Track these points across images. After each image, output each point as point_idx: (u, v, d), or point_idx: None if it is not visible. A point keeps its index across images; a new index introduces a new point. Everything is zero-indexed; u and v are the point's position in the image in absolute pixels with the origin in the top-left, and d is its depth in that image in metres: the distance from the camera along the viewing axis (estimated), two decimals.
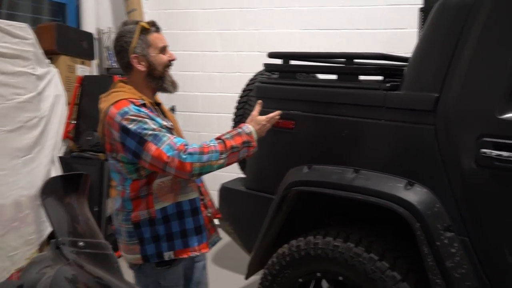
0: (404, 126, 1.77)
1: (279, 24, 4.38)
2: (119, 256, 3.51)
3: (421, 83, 1.74)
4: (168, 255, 1.73)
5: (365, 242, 1.81)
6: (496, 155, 1.54)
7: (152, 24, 1.75)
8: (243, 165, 2.88)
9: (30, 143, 3.26)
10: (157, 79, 1.76)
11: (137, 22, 1.73)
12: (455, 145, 1.64)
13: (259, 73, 2.93)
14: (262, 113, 2.20)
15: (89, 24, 4.31)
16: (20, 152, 3.16)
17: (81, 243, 0.77)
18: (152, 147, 1.59)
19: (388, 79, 1.92)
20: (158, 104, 1.86)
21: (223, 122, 4.57)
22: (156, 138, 1.60)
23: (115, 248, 3.53)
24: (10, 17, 3.79)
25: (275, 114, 1.84)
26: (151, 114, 1.67)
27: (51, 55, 3.72)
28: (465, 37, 1.64)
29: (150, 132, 1.60)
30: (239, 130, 1.73)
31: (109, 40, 4.47)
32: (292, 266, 1.96)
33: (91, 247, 0.79)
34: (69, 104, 3.75)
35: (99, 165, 3.60)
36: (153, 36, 1.74)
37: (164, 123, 1.70)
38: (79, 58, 4.00)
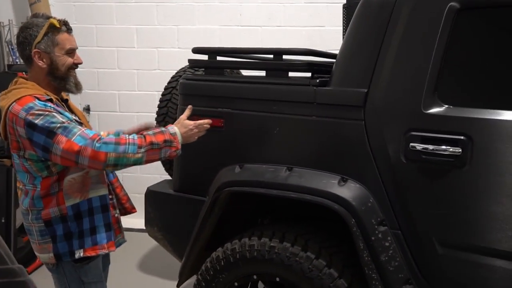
0: (335, 122, 1.76)
1: (199, 20, 4.26)
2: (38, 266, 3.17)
3: (350, 79, 1.75)
4: (78, 253, 1.71)
5: (301, 241, 1.78)
6: (423, 149, 1.58)
7: (64, 23, 1.71)
8: (169, 167, 2.74)
9: None
10: (59, 79, 1.71)
11: (48, 18, 1.69)
12: (384, 140, 1.67)
13: (182, 70, 2.81)
14: (183, 112, 2.10)
15: None
16: None
17: None
18: (62, 139, 1.55)
19: (317, 75, 1.91)
20: (65, 101, 1.81)
21: (143, 121, 4.35)
22: (66, 130, 1.56)
23: (30, 258, 3.22)
24: None
25: (205, 121, 1.79)
26: (58, 108, 1.63)
27: None
28: (390, 33, 1.66)
29: (59, 124, 1.56)
30: (163, 129, 1.71)
31: (10, 34, 4.05)
32: (227, 270, 1.89)
33: (5, 275, 0.65)
34: None
35: (4, 171, 3.24)
36: (62, 37, 1.70)
37: (74, 117, 1.69)
38: None
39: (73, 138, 1.55)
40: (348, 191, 1.70)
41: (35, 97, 1.60)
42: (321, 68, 1.96)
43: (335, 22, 4.07)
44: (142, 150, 1.61)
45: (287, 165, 1.84)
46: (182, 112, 2.14)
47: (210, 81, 2.05)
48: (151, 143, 1.63)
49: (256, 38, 4.21)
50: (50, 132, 1.55)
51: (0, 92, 1.71)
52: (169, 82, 2.80)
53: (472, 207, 1.56)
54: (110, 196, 1.83)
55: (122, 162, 1.60)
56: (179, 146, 1.71)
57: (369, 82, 1.69)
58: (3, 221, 3.23)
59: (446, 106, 1.59)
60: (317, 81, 1.81)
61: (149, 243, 3.25)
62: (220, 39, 4.24)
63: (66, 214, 1.68)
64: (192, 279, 2.10)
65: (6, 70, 3.74)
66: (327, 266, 1.71)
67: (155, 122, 2.79)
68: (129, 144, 1.60)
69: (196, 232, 2.04)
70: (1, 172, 3.25)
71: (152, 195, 2.25)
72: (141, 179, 4.25)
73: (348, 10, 2.17)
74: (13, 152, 1.67)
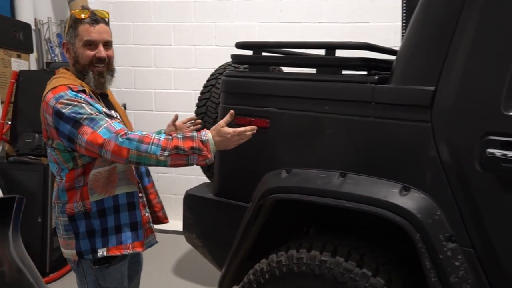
0: (396, 124, 1.57)
1: (238, 16, 4.14)
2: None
3: (414, 75, 1.56)
4: (101, 251, 1.65)
5: (356, 255, 1.60)
6: (502, 156, 1.38)
7: (90, 14, 1.67)
8: (207, 168, 2.61)
9: None
10: (79, 72, 1.68)
11: (86, 9, 1.69)
12: (455, 145, 1.47)
13: (222, 67, 2.67)
14: (226, 111, 1.96)
15: (25, 14, 3.89)
16: None
17: None
18: (87, 130, 1.53)
19: (375, 72, 1.72)
20: (104, 96, 1.78)
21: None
22: (93, 121, 1.54)
23: (62, 263, 3.16)
24: None
25: (248, 129, 1.63)
26: (90, 100, 1.61)
27: None
28: (464, 21, 1.46)
29: (86, 115, 1.54)
30: (195, 134, 1.59)
31: (49, 32, 4.04)
32: (272, 284, 1.73)
33: None
34: (3, 102, 3.32)
35: (41, 170, 3.21)
36: (82, 28, 1.66)
37: (105, 110, 1.64)
38: (14, 51, 3.58)
39: (99, 130, 1.52)
40: (412, 201, 1.51)
41: (68, 87, 1.59)
42: (380, 65, 1.77)
43: (381, 17, 3.86)
44: (166, 153, 1.52)
45: (340, 171, 1.67)
46: (223, 111, 2.00)
47: (255, 78, 1.90)
48: (177, 148, 1.53)
49: (296, 35, 4.05)
50: (76, 122, 1.53)
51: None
52: (208, 80, 2.68)
53: None
54: (140, 195, 1.76)
55: (145, 162, 1.54)
56: (210, 156, 1.58)
57: (437, 79, 1.50)
58: (39, 220, 3.20)
59: None
60: (376, 78, 1.63)
61: (184, 246, 3.13)
62: (259, 36, 4.11)
63: (90, 210, 1.64)
64: None
65: (45, 67, 3.71)
66: (386, 285, 1.53)
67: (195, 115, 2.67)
68: (152, 144, 1.52)
69: (238, 240, 1.89)
70: (38, 171, 3.22)
71: (191, 200, 2.12)
72: (176, 180, 4.17)
73: (409, 1, 1.97)
74: (44, 140, 1.67)
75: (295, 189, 1.72)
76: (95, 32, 1.66)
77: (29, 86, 3.35)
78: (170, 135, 1.57)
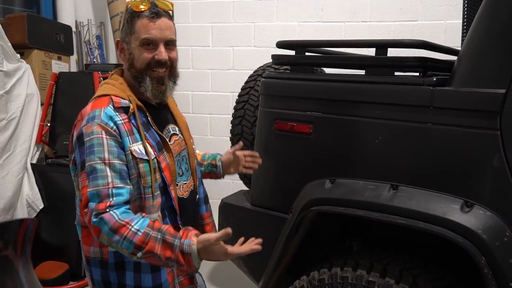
0: (458, 131, 1.40)
1: (277, 16, 4.01)
2: None
3: (480, 77, 1.38)
4: None
5: (408, 277, 1.44)
6: None
7: (150, 6, 1.34)
8: (244, 175, 2.50)
9: None
10: (136, 78, 1.38)
11: (146, 1, 1.36)
12: None
13: (261, 68, 2.55)
14: (266, 115, 1.82)
15: (66, 16, 3.93)
16: None
17: None
18: (84, 181, 1.28)
19: (432, 73, 1.55)
20: (162, 106, 1.49)
21: (216, 123, 4.21)
22: (93, 173, 1.26)
23: None
24: None
25: (251, 248, 1.29)
26: (125, 128, 1.32)
27: (22, 49, 3.35)
28: None
29: (93, 162, 1.26)
30: (177, 242, 1.24)
31: (89, 34, 4.05)
32: None
33: None
34: (43, 104, 3.34)
35: None
36: (140, 23, 1.34)
37: (133, 147, 1.32)
38: (55, 53, 3.61)
39: (90, 189, 1.25)
40: (476, 219, 1.33)
41: (111, 100, 1.34)
42: (437, 65, 1.60)
43: (430, 15, 3.65)
44: (139, 254, 1.24)
45: (390, 182, 1.51)
46: (262, 115, 1.88)
47: (297, 80, 1.76)
48: (151, 252, 1.23)
49: (339, 35, 3.88)
50: (82, 163, 1.28)
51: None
52: (246, 82, 2.57)
53: None
54: None
55: (117, 249, 1.28)
56: (192, 268, 1.26)
57: (508, 81, 1.31)
58: (75, 223, 3.18)
59: None
60: (434, 79, 1.46)
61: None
62: (300, 36, 3.97)
63: (107, 260, 1.38)
64: None
65: (84, 69, 3.72)
66: None
67: (231, 124, 2.57)
68: (125, 239, 1.22)
69: (277, 254, 1.76)
70: None
71: (227, 208, 2.01)
72: (209, 183, 4.08)
73: None
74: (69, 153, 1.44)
75: (340, 201, 1.57)
76: (156, 28, 1.34)
77: (68, 88, 3.35)
78: (154, 228, 1.25)
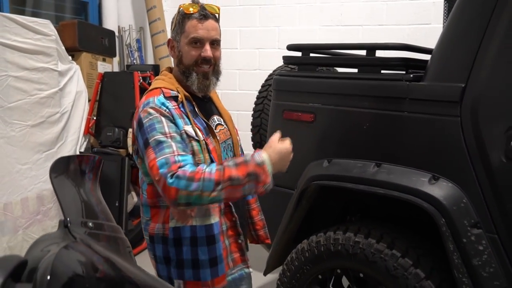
0: (428, 118, 1.70)
1: (300, 20, 4.33)
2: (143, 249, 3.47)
3: (446, 73, 1.68)
4: (178, 283, 1.48)
5: (387, 239, 1.75)
6: None
7: (199, 9, 1.47)
8: None
9: (52, 138, 3.31)
10: (184, 74, 1.52)
11: (197, 2, 1.51)
12: (482, 138, 1.57)
13: (279, 68, 2.89)
14: (276, 107, 2.16)
15: (110, 22, 4.37)
16: (42, 146, 3.22)
17: (90, 224, 0.75)
18: (151, 155, 1.35)
19: (412, 71, 1.85)
20: (206, 99, 1.61)
21: (243, 119, 4.55)
22: (159, 146, 1.35)
23: (135, 244, 3.54)
24: (34, 15, 3.86)
25: (279, 134, 1.45)
26: (176, 112, 1.43)
27: (73, 52, 3.79)
28: (494, 23, 1.56)
29: (156, 137, 1.36)
30: (248, 158, 1.35)
31: (129, 38, 4.50)
32: (311, 262, 1.92)
33: (102, 228, 0.77)
34: (90, 100, 3.79)
35: (119, 161, 3.63)
36: (189, 23, 1.47)
37: (186, 128, 1.43)
38: (100, 55, 4.05)
39: (158, 159, 1.33)
40: (439, 189, 1.63)
41: (162, 90, 1.46)
42: (417, 64, 1.90)
43: (442, 19, 3.87)
44: (219, 187, 1.29)
45: (375, 161, 1.82)
46: (274, 107, 2.22)
47: (302, 77, 2.10)
48: (231, 179, 1.30)
49: (357, 37, 4.16)
50: (146, 141, 1.37)
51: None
52: (266, 80, 2.91)
53: None
54: (233, 219, 1.56)
55: (196, 202, 1.32)
56: (268, 180, 1.34)
57: (467, 76, 1.61)
58: (117, 205, 3.61)
59: None
60: (411, 76, 1.76)
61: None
62: (320, 39, 4.27)
63: (168, 236, 1.47)
64: (279, 269, 2.16)
65: (125, 69, 4.16)
66: (414, 265, 1.66)
67: (252, 118, 2.91)
68: (204, 180, 1.29)
69: (284, 224, 2.09)
70: (117, 161, 3.64)
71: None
72: None
73: (449, 3, 2.07)
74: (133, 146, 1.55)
75: (334, 176, 1.89)
76: (203, 28, 1.46)
77: (111, 86, 3.79)
78: (221, 165, 1.35)
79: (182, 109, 1.46)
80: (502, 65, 1.54)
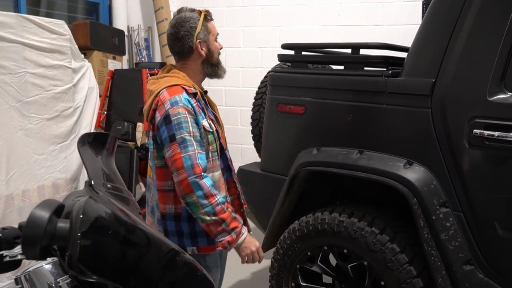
0: (404, 110, 1.90)
1: (300, 20, 4.53)
2: None
3: (419, 69, 1.88)
4: (191, 250, 1.73)
5: (368, 218, 1.95)
6: (487, 135, 1.66)
7: (209, 13, 1.80)
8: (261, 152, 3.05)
9: (66, 130, 3.54)
10: (214, 65, 1.80)
11: (193, 10, 1.77)
12: (449, 127, 1.77)
13: (277, 66, 3.09)
14: (272, 100, 2.37)
15: (120, 22, 4.59)
16: (57, 138, 3.45)
17: (109, 185, 0.97)
18: (176, 149, 1.61)
19: (391, 68, 2.05)
20: (205, 93, 1.87)
21: (245, 114, 4.76)
22: (184, 143, 1.61)
23: None
24: (48, 16, 4.10)
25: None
26: (197, 109, 1.68)
27: (85, 50, 4.00)
28: (460, 25, 1.76)
29: (183, 135, 1.61)
30: (241, 221, 1.72)
31: (138, 37, 4.73)
32: (301, 240, 2.13)
33: (118, 190, 0.98)
34: (101, 96, 4.02)
35: (128, 152, 3.84)
36: (211, 24, 1.80)
37: (204, 123, 1.69)
38: (110, 54, 4.26)
39: (184, 154, 1.60)
40: (412, 173, 1.84)
41: (183, 88, 1.66)
42: (397, 61, 2.10)
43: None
44: (213, 217, 1.61)
45: (358, 149, 2.03)
46: (269, 101, 2.44)
47: (294, 73, 2.31)
48: (223, 219, 1.62)
49: (354, 37, 4.35)
50: (172, 136, 1.61)
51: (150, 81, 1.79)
52: (265, 77, 3.12)
53: None
54: (229, 198, 1.83)
55: (192, 209, 1.62)
56: (232, 241, 1.65)
57: (437, 72, 1.81)
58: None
59: None
60: (389, 72, 1.96)
61: None
62: (319, 38, 4.47)
63: (181, 214, 1.71)
64: (272, 250, 2.37)
65: (134, 67, 4.39)
66: (390, 241, 1.86)
67: (251, 112, 3.12)
68: (211, 205, 1.60)
69: (278, 207, 2.30)
70: (125, 153, 3.85)
71: (242, 173, 2.57)
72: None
73: (427, 6, 2.25)
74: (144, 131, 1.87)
75: (321, 163, 2.10)
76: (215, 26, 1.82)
77: (121, 83, 4.01)
78: (228, 207, 1.66)
79: (199, 103, 1.72)
80: (466, 61, 1.74)
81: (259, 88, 3.10)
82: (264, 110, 2.99)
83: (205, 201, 1.60)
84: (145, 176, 4.07)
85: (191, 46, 1.73)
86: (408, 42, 4.07)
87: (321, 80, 2.19)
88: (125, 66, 4.57)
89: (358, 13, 4.33)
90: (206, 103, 1.79)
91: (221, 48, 1.83)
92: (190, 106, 1.65)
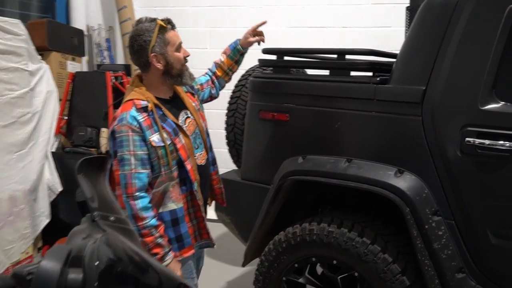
0: (394, 118, 1.88)
1: (269, 21, 4.46)
2: None
3: (409, 77, 1.86)
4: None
5: (358, 227, 1.91)
6: (479, 143, 1.66)
7: (168, 21, 1.77)
8: (236, 159, 2.96)
9: (23, 138, 3.29)
10: (175, 76, 1.79)
11: (153, 20, 1.75)
12: (441, 135, 1.76)
13: (251, 69, 3.01)
14: (253, 107, 2.29)
15: (78, 21, 4.36)
16: (14, 147, 3.20)
17: (111, 218, 0.85)
18: (116, 166, 1.71)
19: (378, 74, 2.02)
20: (174, 98, 1.87)
21: (214, 118, 4.64)
22: (122, 162, 1.70)
23: None
24: None
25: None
26: (146, 123, 1.71)
27: (42, 51, 3.76)
28: (450, 33, 1.75)
29: (123, 153, 1.69)
30: (166, 249, 1.76)
31: (99, 37, 4.51)
32: (288, 252, 2.06)
33: (119, 222, 0.87)
34: (61, 100, 3.78)
35: None
36: (170, 34, 1.76)
37: (153, 138, 1.72)
38: (69, 55, 4.04)
39: (120, 172, 1.70)
40: (404, 182, 1.81)
41: (134, 104, 1.72)
42: (383, 67, 2.07)
43: (402, 23, 4.12)
44: (139, 238, 1.66)
45: (346, 157, 1.98)
46: (250, 108, 2.35)
47: (277, 79, 2.24)
48: (145, 243, 1.70)
49: (322, 38, 4.35)
50: (115, 152, 1.72)
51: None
52: (239, 81, 3.02)
53: None
54: (192, 210, 1.88)
55: (128, 209, 1.71)
56: (159, 254, 1.72)
57: (427, 80, 1.79)
58: None
59: (503, 103, 1.65)
60: (377, 79, 1.93)
61: (217, 229, 3.49)
62: (287, 39, 4.43)
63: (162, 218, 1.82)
64: (256, 261, 2.29)
65: (96, 69, 4.17)
66: (382, 251, 1.83)
67: (226, 117, 3.02)
68: (137, 227, 1.69)
69: (261, 217, 2.22)
70: None
71: (223, 182, 2.47)
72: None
73: (411, 12, 2.26)
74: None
75: (309, 172, 2.04)
76: (178, 35, 1.81)
77: (83, 86, 3.79)
78: (158, 229, 1.74)
79: (152, 117, 1.74)
80: (457, 69, 1.73)
81: (233, 92, 3.00)
82: (240, 115, 2.91)
83: (132, 221, 1.68)
84: (111, 183, 3.87)
85: (146, 60, 1.75)
86: (375, 44, 4.12)
87: (306, 86, 2.13)
88: (85, 68, 4.35)
89: (326, 15, 4.32)
90: (165, 114, 1.79)
91: (187, 56, 1.83)
92: (136, 123, 1.70)
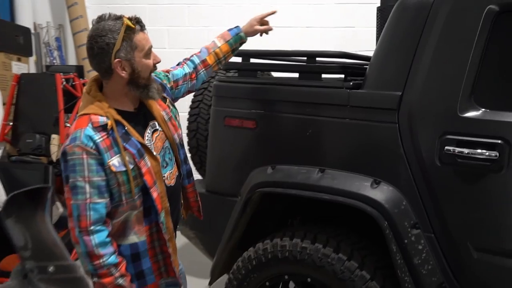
0: (369, 125, 1.77)
1: (229, 20, 4.29)
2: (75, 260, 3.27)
3: (384, 82, 1.75)
4: None
5: (333, 242, 1.79)
6: (458, 152, 1.57)
7: (137, 21, 1.47)
8: (199, 166, 2.79)
9: None
10: (142, 87, 1.50)
11: (119, 18, 1.45)
12: (418, 143, 1.66)
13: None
14: (217, 113, 2.13)
15: (25, 18, 4.03)
16: None
17: (51, 268, 0.68)
18: (68, 193, 1.45)
19: (350, 78, 1.91)
20: (140, 109, 1.59)
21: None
22: (74, 189, 1.44)
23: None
24: None
25: None
26: (104, 145, 1.44)
27: None
28: (426, 35, 1.66)
29: (76, 179, 1.43)
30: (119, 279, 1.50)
31: (48, 36, 4.19)
32: (259, 270, 1.92)
33: (61, 271, 0.70)
34: (5, 104, 3.47)
35: (42, 169, 3.35)
36: (138, 37, 1.46)
37: (112, 162, 1.45)
38: (14, 55, 3.72)
39: (72, 202, 1.44)
40: (381, 193, 1.70)
41: (90, 120, 1.44)
42: (355, 71, 1.96)
43: (367, 22, 4.06)
44: (95, 279, 1.47)
45: (319, 167, 1.86)
46: (214, 113, 2.19)
47: (243, 83, 2.08)
48: (103, 284, 1.47)
49: (286, 37, 4.23)
50: (66, 178, 1.45)
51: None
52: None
53: (508, 212, 1.54)
54: (157, 243, 1.61)
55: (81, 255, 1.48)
56: (106, 282, 1.48)
57: (403, 85, 1.69)
58: None
59: (483, 109, 1.57)
60: (351, 84, 1.82)
61: (179, 241, 3.31)
62: (250, 40, 4.27)
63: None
64: (224, 277, 2.14)
65: (45, 71, 3.87)
66: (359, 268, 1.72)
67: (187, 122, 2.84)
68: (93, 266, 1.45)
69: (229, 231, 2.07)
70: (38, 170, 3.36)
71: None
72: None
73: (382, 12, 2.16)
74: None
75: (279, 183, 1.90)
76: (149, 38, 1.50)
77: (31, 89, 3.49)
78: (119, 267, 1.50)
79: (112, 136, 1.46)
80: (434, 74, 1.64)
81: (195, 96, 2.82)
82: (202, 120, 2.74)
83: (87, 260, 1.45)
84: (62, 194, 3.60)
85: (108, 66, 1.45)
86: (340, 44, 4.05)
87: (275, 91, 1.99)
88: (33, 69, 4.02)
89: (289, 15, 4.21)
90: (126, 132, 1.50)
91: (157, 62, 1.56)
92: (92, 144, 1.43)
